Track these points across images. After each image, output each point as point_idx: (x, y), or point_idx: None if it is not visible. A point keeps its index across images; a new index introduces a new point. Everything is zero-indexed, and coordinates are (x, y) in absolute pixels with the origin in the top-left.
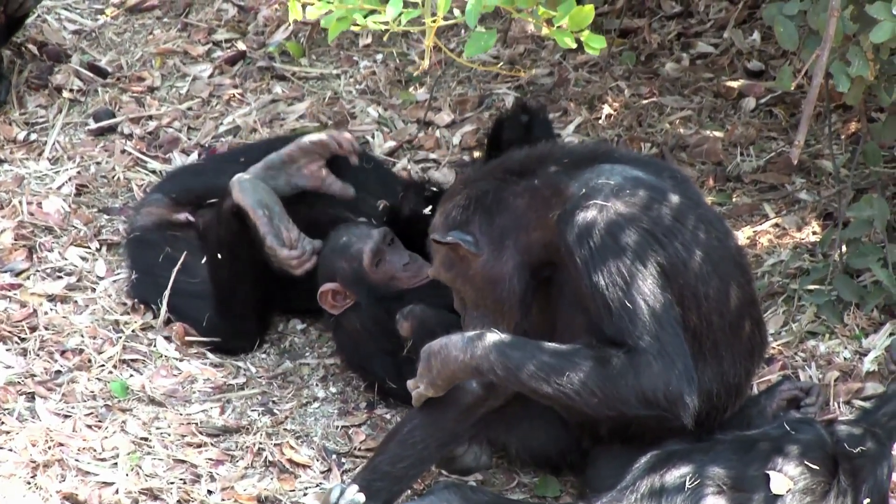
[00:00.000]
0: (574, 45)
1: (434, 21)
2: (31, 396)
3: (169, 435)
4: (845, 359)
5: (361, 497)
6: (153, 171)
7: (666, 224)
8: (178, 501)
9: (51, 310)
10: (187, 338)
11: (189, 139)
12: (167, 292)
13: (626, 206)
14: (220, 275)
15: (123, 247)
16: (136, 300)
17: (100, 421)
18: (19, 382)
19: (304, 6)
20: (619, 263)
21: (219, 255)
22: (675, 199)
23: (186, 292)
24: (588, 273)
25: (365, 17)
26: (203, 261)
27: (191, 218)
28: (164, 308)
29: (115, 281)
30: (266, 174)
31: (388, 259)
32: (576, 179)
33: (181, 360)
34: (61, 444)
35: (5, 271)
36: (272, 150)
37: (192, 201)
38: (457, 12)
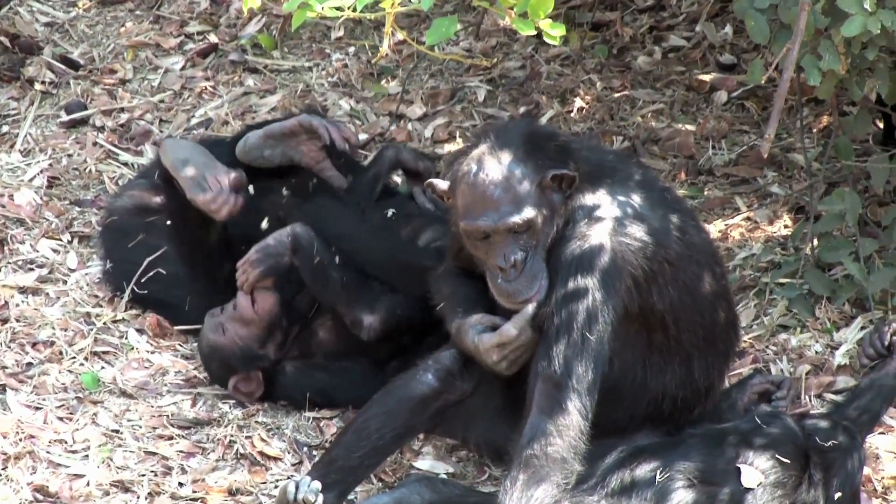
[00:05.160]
0: (534, 32)
1: (392, 6)
2: (3, 388)
3: (140, 427)
4: (816, 352)
5: (318, 485)
6: (125, 164)
7: (654, 268)
8: (149, 494)
9: (22, 302)
10: (177, 326)
11: (161, 131)
12: (134, 280)
13: (622, 247)
14: (181, 250)
15: (99, 233)
16: (109, 288)
17: (71, 413)
18: None
19: None
20: (589, 301)
21: (174, 231)
22: (667, 237)
23: (163, 280)
24: (562, 293)
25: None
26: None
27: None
28: (126, 296)
29: (86, 273)
30: (265, 142)
31: (229, 327)
32: (581, 197)
33: (152, 353)
34: (32, 437)
35: None
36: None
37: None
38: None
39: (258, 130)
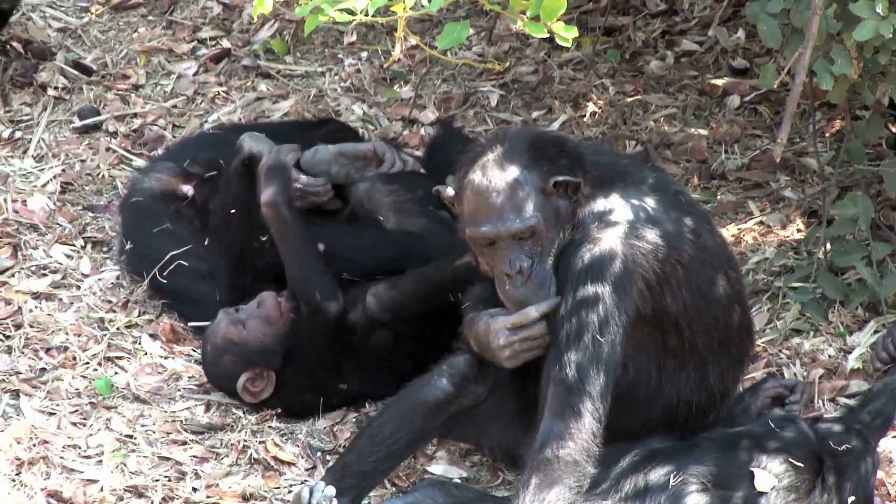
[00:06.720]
0: (546, 35)
1: (404, 10)
2: (16, 394)
3: (154, 432)
4: (830, 356)
5: (332, 490)
6: (138, 169)
7: (667, 270)
8: (162, 499)
9: (35, 307)
10: (192, 323)
11: (174, 137)
12: (152, 273)
13: (633, 250)
14: (233, 236)
15: (120, 207)
16: (127, 269)
17: (84, 418)
18: (4, 380)
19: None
20: (601, 305)
21: (232, 211)
22: (680, 239)
23: (186, 274)
24: (573, 297)
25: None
26: (205, 242)
27: (191, 192)
28: (146, 283)
29: (99, 279)
30: (336, 159)
31: (252, 323)
32: (592, 202)
33: (166, 358)
34: (46, 442)
35: None
36: (290, 129)
37: (203, 173)
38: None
39: (330, 146)
